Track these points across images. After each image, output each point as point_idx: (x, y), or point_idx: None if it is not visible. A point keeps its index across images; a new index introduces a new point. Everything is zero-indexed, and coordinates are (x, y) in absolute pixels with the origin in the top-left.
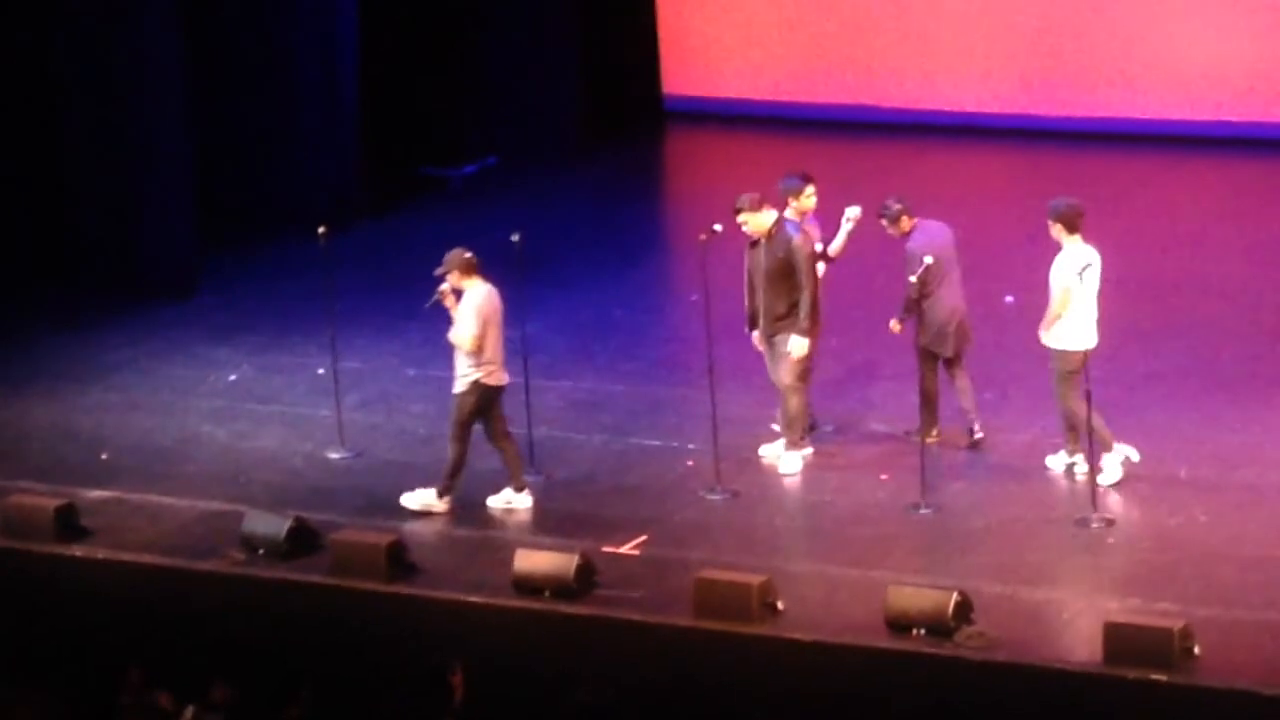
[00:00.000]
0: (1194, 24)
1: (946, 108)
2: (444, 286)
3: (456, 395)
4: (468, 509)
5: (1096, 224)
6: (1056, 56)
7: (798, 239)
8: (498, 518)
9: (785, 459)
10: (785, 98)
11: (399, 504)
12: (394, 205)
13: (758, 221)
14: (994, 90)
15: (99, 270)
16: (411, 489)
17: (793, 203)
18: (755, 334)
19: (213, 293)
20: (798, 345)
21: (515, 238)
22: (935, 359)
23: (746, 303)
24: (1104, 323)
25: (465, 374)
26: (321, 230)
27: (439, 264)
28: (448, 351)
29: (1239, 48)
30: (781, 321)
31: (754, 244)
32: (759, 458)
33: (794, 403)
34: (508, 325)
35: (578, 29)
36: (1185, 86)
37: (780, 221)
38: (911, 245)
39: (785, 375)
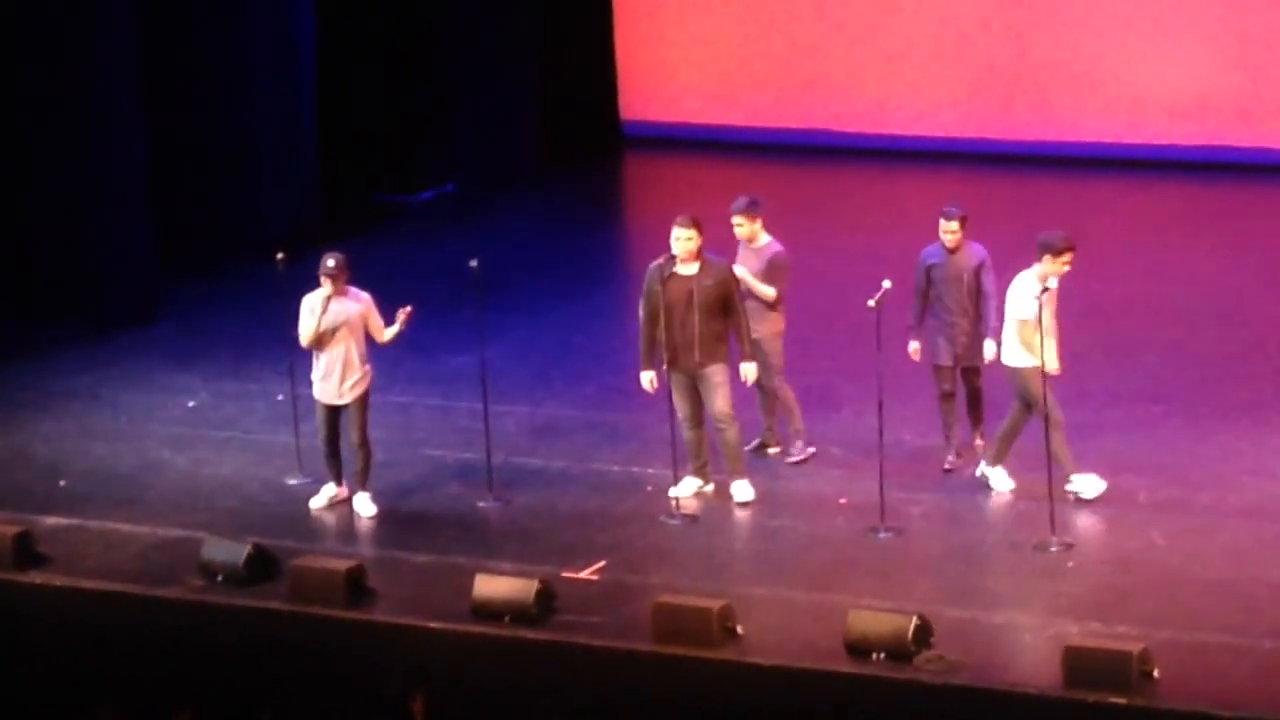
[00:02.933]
0: (1148, 49)
1: (904, 132)
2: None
3: (359, 399)
4: (426, 534)
5: None
6: (1013, 82)
7: (733, 268)
8: (449, 538)
9: (740, 488)
10: (744, 123)
11: (358, 529)
12: (352, 232)
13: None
14: (951, 115)
15: (57, 297)
16: (368, 512)
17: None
18: (652, 376)
19: (171, 320)
20: (752, 370)
21: (473, 264)
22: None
23: (661, 337)
24: (1063, 346)
25: (364, 377)
26: (280, 256)
27: (398, 290)
28: (404, 377)
29: (1192, 73)
30: (714, 353)
31: (670, 276)
32: (714, 484)
33: (735, 431)
34: (466, 351)
35: (536, 55)
36: (1140, 111)
37: (703, 249)
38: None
39: (725, 405)
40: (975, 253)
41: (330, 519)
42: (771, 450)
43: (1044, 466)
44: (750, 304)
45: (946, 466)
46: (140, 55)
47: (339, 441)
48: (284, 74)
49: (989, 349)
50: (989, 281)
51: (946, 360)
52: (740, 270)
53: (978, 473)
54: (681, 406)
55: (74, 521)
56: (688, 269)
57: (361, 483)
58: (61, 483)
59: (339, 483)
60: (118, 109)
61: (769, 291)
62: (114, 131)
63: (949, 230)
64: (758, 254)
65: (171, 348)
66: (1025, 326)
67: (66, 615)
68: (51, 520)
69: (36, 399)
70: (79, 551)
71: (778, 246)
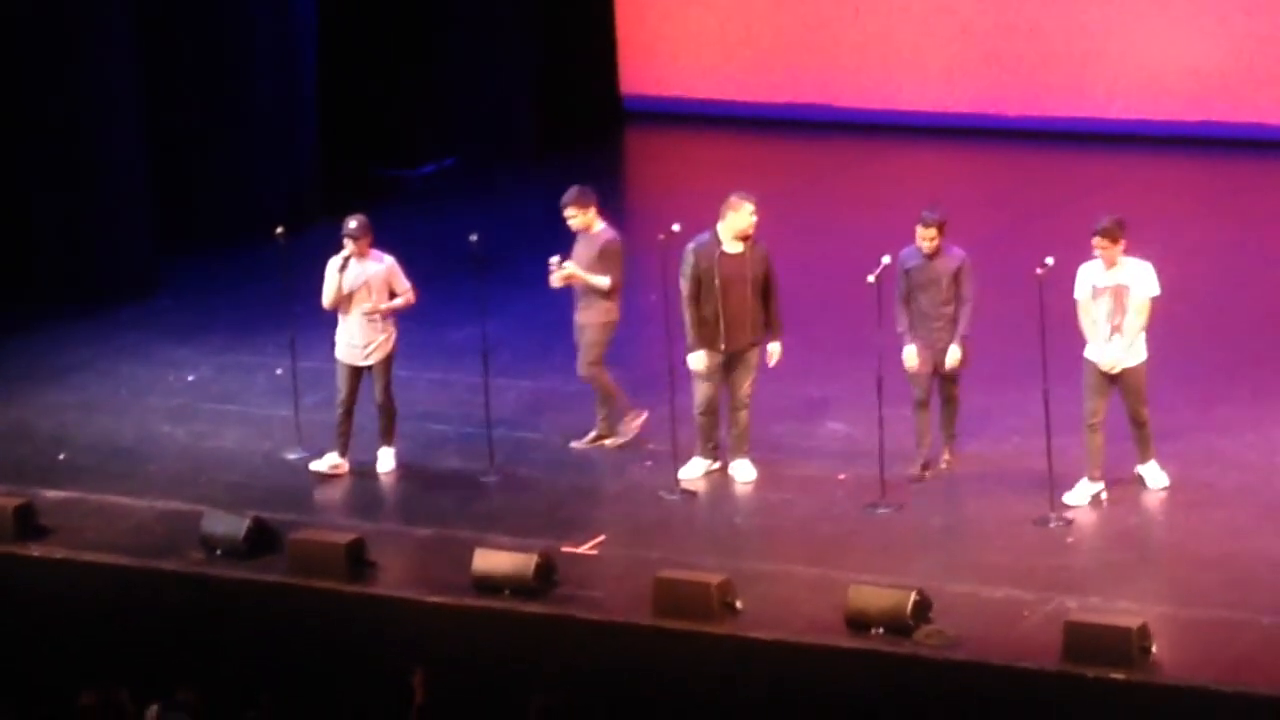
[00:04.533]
0: (1152, 25)
1: (906, 107)
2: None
3: (383, 361)
4: (426, 508)
5: (1056, 224)
6: (1016, 56)
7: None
8: (449, 513)
9: (742, 467)
10: (745, 97)
11: (358, 503)
12: (352, 206)
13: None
14: (953, 90)
15: (58, 271)
16: (371, 488)
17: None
18: (702, 353)
19: (171, 293)
20: (778, 350)
21: (474, 238)
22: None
23: (716, 315)
24: (1063, 324)
25: (388, 339)
26: (279, 231)
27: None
28: (405, 350)
29: (1196, 48)
30: (760, 332)
31: (721, 255)
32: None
33: (748, 415)
34: (467, 325)
35: (536, 29)
36: (1144, 87)
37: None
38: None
39: (751, 386)
40: (954, 256)
41: (330, 492)
42: (609, 442)
43: (1044, 442)
44: (585, 292)
45: (912, 477)
46: (140, 30)
47: (354, 406)
48: (284, 48)
49: (952, 354)
50: (967, 286)
51: (922, 367)
52: (570, 266)
53: (1136, 470)
54: (704, 391)
55: (74, 494)
56: (735, 248)
57: (386, 439)
58: (62, 456)
59: (343, 454)
60: (117, 83)
61: (603, 281)
62: (114, 106)
63: (926, 237)
64: (591, 242)
65: (172, 322)
66: (1077, 306)
67: (67, 588)
68: (52, 493)
69: (37, 372)
70: (79, 524)
71: (611, 233)
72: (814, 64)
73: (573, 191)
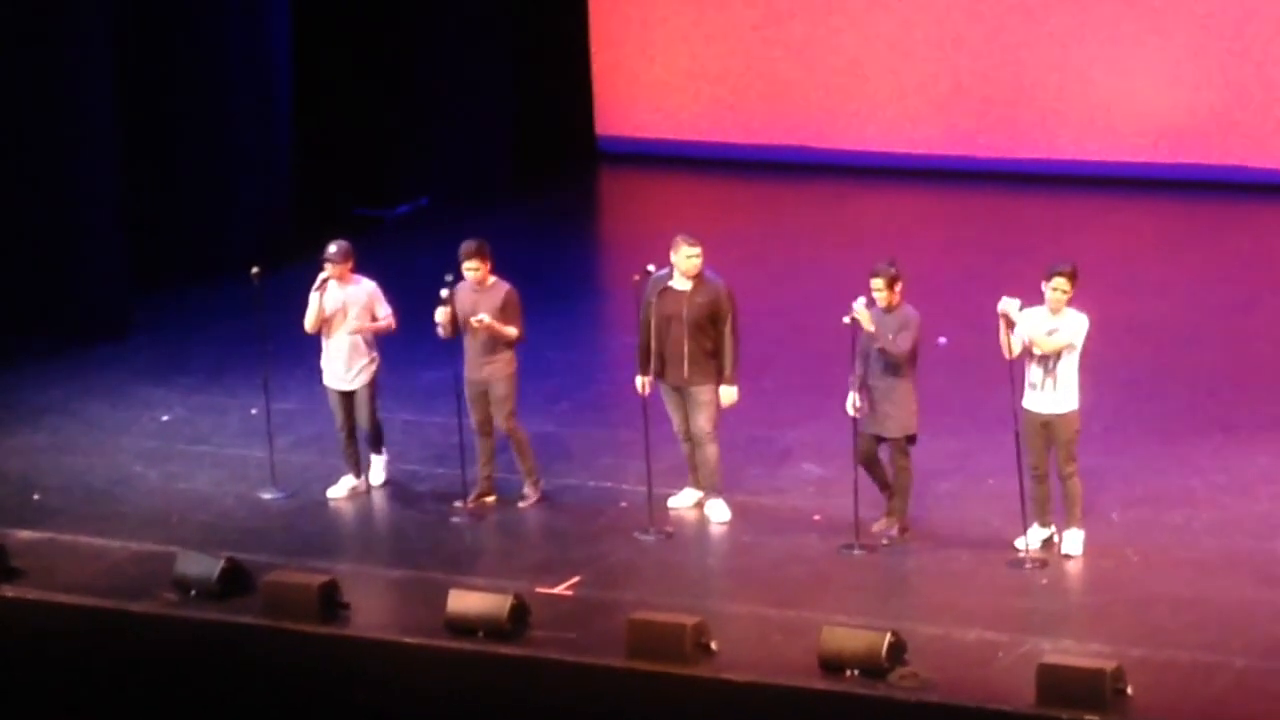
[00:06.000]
0: (1123, 68)
1: (879, 149)
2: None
3: (367, 386)
4: (400, 549)
5: (1027, 267)
6: (988, 99)
7: (727, 287)
8: (423, 551)
9: (715, 507)
10: (719, 139)
11: (332, 544)
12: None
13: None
14: (926, 132)
15: (30, 310)
16: (344, 529)
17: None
18: (645, 380)
19: (146, 333)
20: (731, 394)
21: (449, 278)
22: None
23: (653, 349)
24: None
25: (371, 363)
26: (254, 271)
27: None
28: (377, 392)
29: (1166, 91)
30: (703, 371)
31: (664, 289)
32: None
33: (715, 450)
34: (440, 366)
35: (511, 69)
36: (1115, 129)
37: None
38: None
39: (706, 423)
40: (903, 315)
41: (304, 533)
42: (489, 499)
43: (1017, 483)
44: (491, 345)
45: (885, 541)
46: (114, 68)
47: (355, 429)
48: (260, 88)
49: (860, 306)
50: (904, 340)
51: (866, 426)
52: (486, 318)
53: (1060, 535)
54: (674, 418)
55: (47, 535)
56: (682, 284)
57: (375, 449)
58: (35, 496)
59: (358, 474)
60: (91, 121)
61: (513, 332)
62: (88, 144)
63: (875, 287)
64: (489, 294)
65: (145, 361)
66: (1009, 354)
67: (40, 629)
68: (25, 534)
69: (9, 413)
70: (52, 565)
71: (508, 285)
72: (788, 107)
73: (474, 244)
